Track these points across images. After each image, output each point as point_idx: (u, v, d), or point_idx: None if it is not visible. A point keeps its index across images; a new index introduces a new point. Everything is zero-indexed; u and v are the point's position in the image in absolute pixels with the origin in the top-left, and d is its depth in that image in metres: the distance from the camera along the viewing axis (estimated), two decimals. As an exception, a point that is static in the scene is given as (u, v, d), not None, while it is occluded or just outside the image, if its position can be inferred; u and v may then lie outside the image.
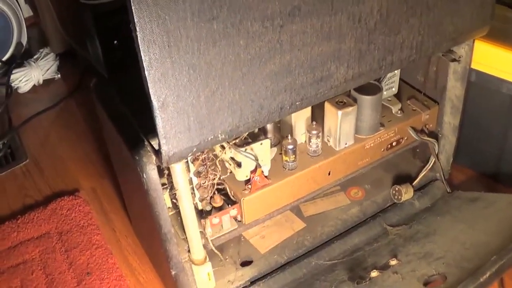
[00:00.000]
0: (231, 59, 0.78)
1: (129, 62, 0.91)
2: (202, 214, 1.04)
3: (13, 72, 1.81)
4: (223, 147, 1.01)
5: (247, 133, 0.99)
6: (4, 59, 1.86)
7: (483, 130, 1.32)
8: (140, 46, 0.70)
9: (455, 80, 1.18)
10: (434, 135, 1.25)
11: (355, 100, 1.10)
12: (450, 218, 1.19)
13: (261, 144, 1.00)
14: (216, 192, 1.05)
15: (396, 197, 1.25)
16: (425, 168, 1.28)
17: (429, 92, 1.25)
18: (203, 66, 0.76)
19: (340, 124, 1.08)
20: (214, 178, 1.03)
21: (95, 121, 1.59)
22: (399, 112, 1.20)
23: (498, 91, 1.24)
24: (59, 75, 1.91)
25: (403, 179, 1.29)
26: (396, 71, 1.19)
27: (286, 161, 1.06)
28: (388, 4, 0.89)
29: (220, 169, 1.03)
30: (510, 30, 1.25)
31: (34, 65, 1.85)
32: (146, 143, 0.87)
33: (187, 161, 0.98)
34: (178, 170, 0.89)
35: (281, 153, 1.07)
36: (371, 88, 1.11)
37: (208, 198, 1.04)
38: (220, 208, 1.04)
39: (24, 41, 1.90)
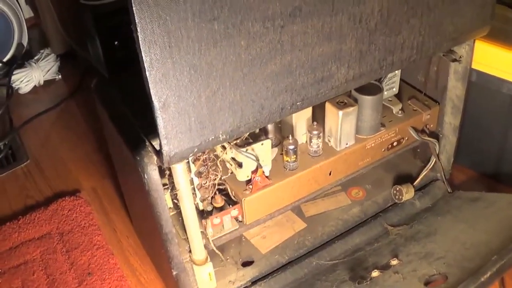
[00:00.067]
0: (232, 60, 0.78)
1: (129, 63, 0.91)
2: (203, 215, 1.04)
3: (14, 73, 1.82)
4: (224, 148, 1.01)
5: (248, 133, 0.99)
6: (5, 60, 1.86)
7: (484, 130, 1.33)
8: (141, 47, 0.70)
9: (455, 80, 1.18)
10: (435, 135, 1.25)
11: (355, 100, 1.10)
12: (451, 218, 1.19)
13: (262, 144, 1.00)
14: (217, 193, 1.05)
15: (397, 197, 1.25)
16: (425, 168, 1.28)
17: (430, 92, 1.25)
18: (204, 66, 0.76)
19: (341, 124, 1.08)
20: (215, 179, 1.03)
21: (96, 122, 1.59)
22: (399, 112, 1.20)
23: (499, 91, 1.24)
24: (59, 76, 1.92)
25: (404, 179, 1.29)
26: (396, 71, 1.20)
27: (287, 161, 1.06)
28: (389, 5, 0.89)
29: (221, 169, 1.03)
30: (511, 30, 1.25)
31: (35, 66, 1.85)
32: (147, 143, 0.87)
33: (188, 162, 0.98)
34: (179, 171, 0.89)
35: (282, 154, 1.07)
36: (372, 88, 1.11)
37: (209, 198, 1.04)
38: (221, 209, 1.04)
39: (25, 42, 1.91)
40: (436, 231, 1.15)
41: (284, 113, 0.88)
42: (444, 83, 1.20)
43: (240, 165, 1.00)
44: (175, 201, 1.05)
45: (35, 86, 1.88)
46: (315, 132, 1.07)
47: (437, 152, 1.26)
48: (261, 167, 1.02)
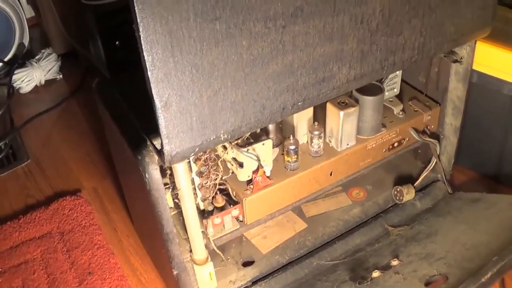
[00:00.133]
0: (234, 59, 0.78)
1: (131, 63, 0.91)
2: (204, 214, 1.04)
3: (15, 72, 1.82)
4: (225, 147, 1.01)
5: (249, 133, 0.99)
6: (6, 59, 1.86)
7: (485, 131, 1.33)
8: (143, 46, 0.70)
9: (456, 81, 1.18)
10: (436, 136, 1.25)
11: (357, 101, 1.10)
12: (451, 219, 1.19)
13: (263, 144, 1.00)
14: (218, 192, 1.05)
15: (397, 197, 1.26)
16: (426, 169, 1.28)
17: (431, 93, 1.25)
18: (206, 66, 0.76)
19: (342, 124, 1.08)
20: (216, 178, 1.03)
21: (97, 122, 1.59)
22: (400, 113, 1.20)
23: (500, 92, 1.24)
24: (61, 76, 1.92)
25: (404, 180, 1.29)
26: (397, 72, 1.20)
27: (288, 161, 1.06)
28: (390, 5, 0.89)
29: (222, 169, 1.03)
30: (512, 31, 1.26)
31: (36, 66, 1.85)
32: (148, 143, 0.87)
33: (189, 161, 0.98)
34: (180, 170, 0.89)
35: (283, 154, 1.07)
36: (373, 89, 1.11)
37: (210, 198, 1.04)
38: (222, 208, 1.04)
39: (26, 41, 1.91)
40: (436, 232, 1.16)
41: (286, 113, 0.88)
42: (445, 84, 1.20)
43: (241, 165, 1.00)
44: (176, 200, 1.05)
45: (36, 85, 1.88)
46: (316, 133, 1.07)
47: (438, 153, 1.26)
48: (262, 167, 1.02)
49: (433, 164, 1.27)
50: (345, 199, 1.27)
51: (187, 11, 0.71)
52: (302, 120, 1.09)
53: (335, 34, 0.86)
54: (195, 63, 0.75)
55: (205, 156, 0.99)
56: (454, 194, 1.28)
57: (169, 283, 1.15)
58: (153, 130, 0.81)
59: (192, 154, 0.83)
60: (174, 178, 0.93)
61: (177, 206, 1.06)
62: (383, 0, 0.88)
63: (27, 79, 1.84)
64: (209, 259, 1.04)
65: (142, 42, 0.69)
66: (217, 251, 1.06)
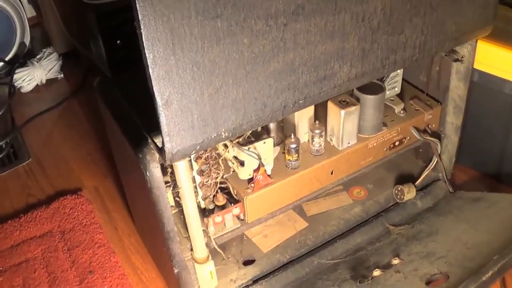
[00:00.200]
0: (235, 57, 0.78)
1: (132, 62, 0.91)
2: (205, 213, 1.04)
3: (16, 71, 1.82)
4: (226, 146, 1.01)
5: (250, 131, 0.99)
6: (7, 58, 1.87)
7: (486, 130, 1.33)
8: (144, 44, 0.70)
9: (457, 80, 1.18)
10: (437, 135, 1.25)
11: (358, 100, 1.10)
12: (452, 218, 1.19)
13: (264, 143, 1.00)
14: (219, 191, 1.05)
15: (398, 196, 1.25)
16: (427, 168, 1.28)
17: (432, 92, 1.25)
18: (207, 64, 0.76)
19: (343, 123, 1.08)
20: (217, 177, 1.03)
21: (98, 121, 1.60)
22: (401, 112, 1.20)
23: (501, 91, 1.24)
24: (62, 75, 1.92)
25: (405, 179, 1.29)
26: (399, 71, 1.20)
27: (289, 160, 1.06)
28: (392, 4, 0.89)
29: (223, 167, 1.03)
30: (513, 30, 1.26)
31: (37, 65, 1.85)
32: (149, 141, 0.87)
33: (190, 160, 0.98)
34: (181, 168, 0.89)
35: (284, 152, 1.07)
36: (374, 88, 1.11)
37: (211, 196, 1.05)
38: (223, 207, 1.04)
39: (27, 41, 1.91)
40: (437, 231, 1.15)
41: (287, 111, 0.88)
42: (446, 83, 1.20)
43: (242, 163, 1.00)
44: (177, 199, 1.05)
45: (37, 85, 1.88)
46: (317, 131, 1.07)
47: (439, 152, 1.26)
48: (263, 165, 1.02)
49: (434, 163, 1.27)
50: (346, 198, 1.27)
51: (189, 9, 0.71)
52: (303, 118, 1.09)
53: (336, 32, 0.86)
54: (196, 60, 0.75)
55: (206, 155, 0.99)
56: (455, 193, 1.28)
57: (170, 281, 1.15)
58: (154, 128, 0.81)
59: (193, 152, 0.83)
60: (175, 177, 0.93)
61: (178, 204, 1.06)
62: (385, -1, 0.88)
63: (28, 78, 1.84)
64: (210, 257, 1.04)
65: (144, 39, 0.69)
66: (218, 249, 1.06)
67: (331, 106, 1.09)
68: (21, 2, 1.88)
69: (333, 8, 0.83)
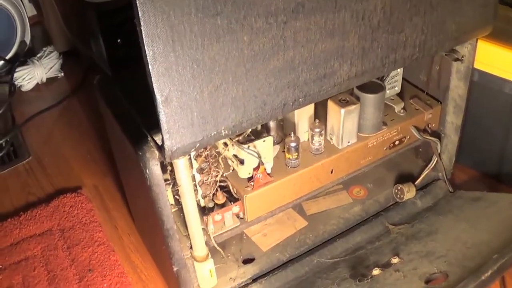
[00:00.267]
0: (235, 55, 0.78)
1: (132, 61, 0.91)
2: (204, 211, 1.04)
3: (16, 70, 1.82)
4: (226, 144, 1.01)
5: (250, 130, 0.99)
6: (7, 57, 1.86)
7: (486, 130, 1.33)
8: (144, 41, 0.70)
9: (458, 80, 1.18)
10: (437, 134, 1.25)
11: (358, 99, 1.10)
12: (452, 217, 1.19)
13: (264, 141, 1.00)
14: (218, 189, 1.05)
15: (398, 196, 1.25)
16: (427, 168, 1.28)
17: (432, 92, 1.25)
18: (207, 61, 0.76)
19: (343, 122, 1.08)
20: (217, 175, 1.03)
21: (98, 120, 1.60)
22: (402, 111, 1.20)
23: (501, 91, 1.24)
24: (62, 74, 1.92)
25: (405, 178, 1.29)
26: (399, 70, 1.20)
27: (289, 158, 1.06)
28: (392, 2, 0.89)
29: (222, 166, 1.03)
30: (513, 30, 1.26)
31: (38, 64, 1.85)
32: (149, 138, 0.87)
33: (190, 158, 0.98)
34: (181, 166, 0.89)
35: (284, 151, 1.07)
36: (374, 87, 1.11)
37: (211, 195, 1.05)
38: (222, 205, 1.04)
39: (28, 39, 1.91)
40: (437, 230, 1.15)
41: (286, 110, 0.88)
42: (446, 83, 1.20)
43: (242, 162, 1.00)
44: (177, 197, 1.05)
45: (37, 83, 1.88)
46: (317, 130, 1.07)
47: (439, 151, 1.26)
48: (262, 164, 1.02)
49: (434, 163, 1.27)
50: (346, 197, 1.27)
51: (189, 6, 0.71)
52: (303, 117, 1.09)
53: (336, 31, 0.86)
54: (196, 58, 0.75)
55: (206, 153, 0.99)
56: (455, 192, 1.28)
57: (169, 280, 1.15)
58: (154, 126, 0.81)
59: (193, 149, 0.83)
60: (174, 175, 0.93)
61: (178, 202, 1.06)
62: (385, -3, 0.88)
63: (29, 77, 1.84)
64: (210, 256, 1.04)
65: (143, 36, 0.70)
66: (218, 248, 1.06)
67: (331, 105, 1.09)
68: (21, 1, 1.88)
69: (333, 6, 0.83)
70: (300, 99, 0.88)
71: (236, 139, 0.99)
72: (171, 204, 1.06)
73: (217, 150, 1.02)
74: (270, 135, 1.02)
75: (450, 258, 1.04)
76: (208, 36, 0.74)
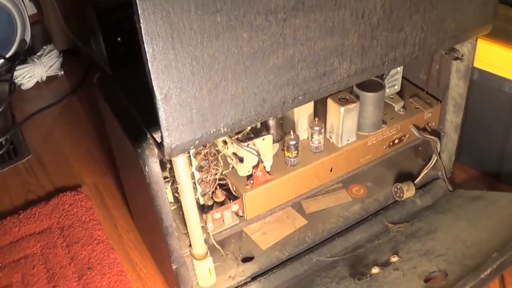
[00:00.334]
0: (234, 52, 0.78)
1: (132, 59, 0.91)
2: (203, 209, 1.04)
3: (16, 68, 1.82)
4: (225, 142, 1.01)
5: (249, 127, 0.99)
6: (7, 55, 1.86)
7: (485, 129, 1.32)
8: (143, 38, 0.70)
9: (457, 79, 1.18)
10: (436, 133, 1.25)
11: (357, 97, 1.10)
12: (451, 216, 1.19)
13: (263, 139, 1.00)
14: (218, 187, 1.05)
15: (397, 195, 1.25)
16: (427, 167, 1.28)
17: (432, 90, 1.25)
18: (206, 58, 0.76)
19: (343, 120, 1.08)
20: (216, 173, 1.03)
21: (98, 118, 1.60)
22: (401, 110, 1.20)
23: (501, 89, 1.24)
24: (62, 72, 1.92)
25: (405, 177, 1.29)
26: (398, 69, 1.20)
27: (288, 157, 1.06)
28: (392, 1, 0.89)
29: (222, 164, 1.03)
30: (513, 29, 1.26)
31: (38, 62, 1.85)
32: (148, 136, 0.87)
33: (190, 156, 0.98)
34: (180, 164, 0.89)
35: (283, 149, 1.07)
36: (374, 85, 1.11)
37: (210, 193, 1.05)
38: (221, 203, 1.04)
39: (28, 38, 1.91)
40: (436, 229, 1.15)
41: (286, 107, 0.88)
42: (446, 82, 1.20)
43: (241, 160, 1.00)
44: (176, 195, 1.05)
45: (37, 82, 1.88)
46: (316, 128, 1.07)
47: (439, 150, 1.26)
48: (262, 162, 1.02)
49: (434, 162, 1.27)
50: (345, 195, 1.27)
51: (188, 3, 0.71)
52: (302, 115, 1.09)
53: (336, 28, 0.86)
54: (195, 55, 0.75)
55: (205, 151, 0.99)
56: (454, 191, 1.28)
57: (168, 278, 1.15)
58: (153, 123, 0.81)
59: (192, 147, 0.83)
60: (174, 172, 0.93)
61: (177, 200, 1.07)
62: (384, -5, 0.88)
63: (29, 75, 1.84)
64: (209, 254, 1.04)
65: (143, 33, 0.69)
66: (217, 246, 1.06)
67: (330, 103, 1.09)
68: (22, 0, 1.89)
69: (333, 4, 0.83)
70: (299, 97, 0.88)
71: (236, 137, 0.99)
72: (170, 202, 1.06)
73: (216, 148, 1.02)
74: (270, 133, 1.02)
75: (450, 257, 1.04)
76: (208, 33, 0.74)
